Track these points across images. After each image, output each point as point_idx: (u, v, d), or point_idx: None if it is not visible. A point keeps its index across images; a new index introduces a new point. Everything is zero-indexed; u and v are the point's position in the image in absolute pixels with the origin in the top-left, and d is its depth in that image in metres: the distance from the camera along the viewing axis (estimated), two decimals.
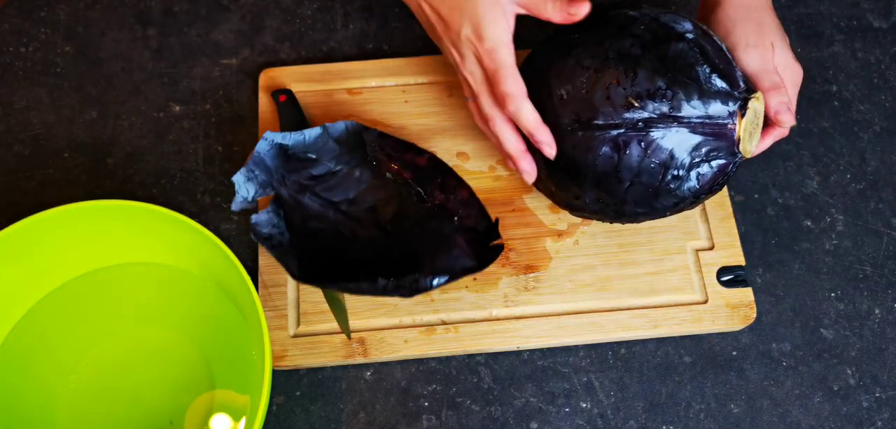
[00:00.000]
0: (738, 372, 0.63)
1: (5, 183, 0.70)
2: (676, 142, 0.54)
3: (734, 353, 0.64)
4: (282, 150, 0.63)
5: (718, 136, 0.54)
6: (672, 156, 0.54)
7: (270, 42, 0.77)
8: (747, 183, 0.70)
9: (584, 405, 0.62)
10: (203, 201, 0.69)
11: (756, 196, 0.70)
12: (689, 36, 0.55)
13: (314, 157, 0.64)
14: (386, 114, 0.72)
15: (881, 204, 0.70)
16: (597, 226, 0.67)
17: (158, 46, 0.76)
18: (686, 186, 0.55)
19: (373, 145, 0.63)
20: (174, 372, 0.61)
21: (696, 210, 0.67)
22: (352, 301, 0.64)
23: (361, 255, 0.64)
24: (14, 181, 0.70)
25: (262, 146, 0.62)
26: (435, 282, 0.57)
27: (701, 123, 0.54)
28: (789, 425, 0.62)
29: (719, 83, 0.54)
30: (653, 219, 0.61)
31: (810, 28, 0.78)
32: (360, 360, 0.62)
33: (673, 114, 0.54)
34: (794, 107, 0.59)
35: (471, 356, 0.64)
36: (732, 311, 0.63)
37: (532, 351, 0.64)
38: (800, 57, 0.76)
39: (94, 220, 0.60)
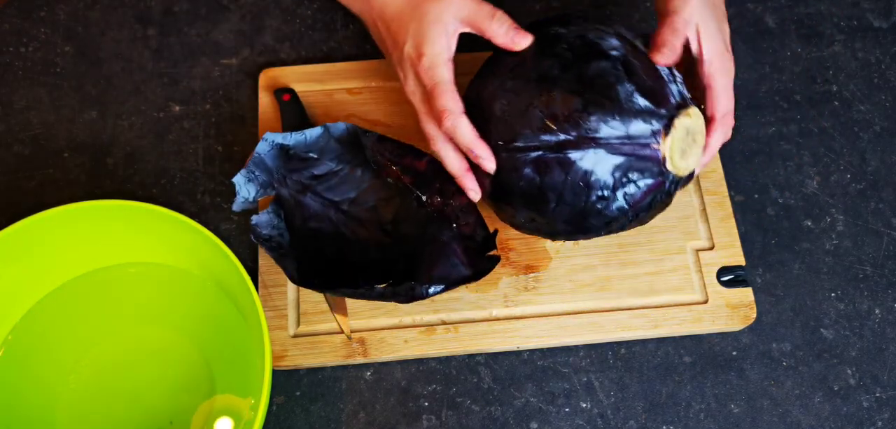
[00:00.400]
0: (739, 372, 0.63)
1: (5, 183, 0.70)
2: (594, 163, 0.53)
3: (734, 353, 0.64)
4: (282, 150, 0.63)
5: (641, 156, 0.53)
6: (593, 177, 0.54)
7: (270, 42, 0.77)
8: (747, 183, 0.70)
9: (584, 405, 0.62)
10: (203, 201, 0.69)
11: (756, 196, 0.70)
12: (614, 53, 0.54)
13: (315, 156, 0.64)
14: (386, 114, 0.72)
15: (881, 204, 0.70)
16: None
17: (158, 46, 0.76)
18: (614, 206, 0.55)
19: (372, 150, 0.63)
20: (174, 372, 0.61)
21: (696, 210, 0.67)
22: (352, 302, 0.64)
23: (362, 256, 0.64)
24: (14, 181, 0.70)
25: (262, 147, 0.62)
26: (431, 291, 0.57)
27: (621, 143, 0.53)
28: (789, 425, 0.62)
29: (642, 102, 0.53)
30: (590, 238, 0.60)
31: (810, 28, 0.78)
32: (360, 360, 0.62)
33: (590, 135, 0.53)
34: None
35: (471, 356, 0.64)
36: (732, 311, 0.63)
37: (532, 351, 0.64)
38: (800, 57, 0.77)
39: (94, 220, 0.60)
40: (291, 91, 0.71)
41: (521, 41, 0.56)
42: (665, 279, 0.65)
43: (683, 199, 0.68)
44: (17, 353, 0.61)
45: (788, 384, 0.63)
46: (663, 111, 0.53)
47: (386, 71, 0.73)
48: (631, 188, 0.54)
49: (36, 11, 0.78)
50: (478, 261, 0.60)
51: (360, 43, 0.77)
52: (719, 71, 0.57)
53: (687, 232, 0.67)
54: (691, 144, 0.55)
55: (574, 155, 0.53)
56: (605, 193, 0.54)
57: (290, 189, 0.64)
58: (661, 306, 0.64)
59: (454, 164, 0.58)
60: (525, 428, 0.61)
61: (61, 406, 0.60)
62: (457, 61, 0.57)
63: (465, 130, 0.55)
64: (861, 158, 0.72)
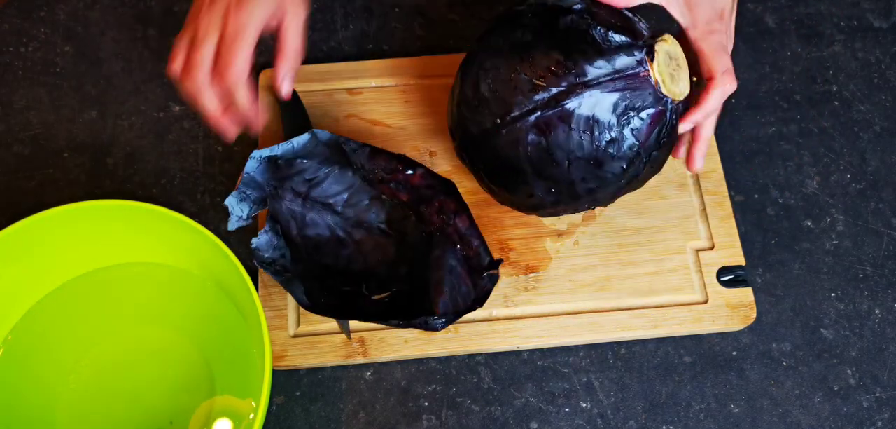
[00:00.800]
0: (739, 372, 0.63)
1: (5, 183, 0.70)
2: (593, 106, 0.53)
3: (734, 353, 0.64)
4: (271, 162, 0.62)
5: (635, 87, 0.54)
6: (595, 120, 0.54)
7: (271, 42, 0.77)
8: (747, 183, 0.70)
9: (584, 405, 0.62)
10: (203, 201, 0.69)
11: (756, 196, 0.70)
12: (577, 7, 0.55)
13: (305, 163, 0.64)
14: (386, 114, 0.72)
15: (881, 204, 0.70)
16: (597, 226, 0.67)
17: (158, 46, 0.76)
18: (625, 145, 0.55)
19: (366, 167, 0.63)
20: (174, 372, 0.61)
21: (696, 210, 0.67)
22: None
23: (363, 261, 0.64)
24: (14, 181, 0.70)
25: (250, 165, 0.61)
26: (441, 324, 0.57)
27: (611, 79, 0.53)
28: (789, 425, 0.62)
29: (618, 38, 0.54)
30: (611, 191, 0.58)
31: (810, 28, 0.78)
32: (360, 360, 0.62)
33: (580, 80, 0.53)
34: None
35: (471, 356, 0.64)
36: (732, 311, 0.63)
37: (532, 351, 0.64)
38: (800, 57, 0.77)
39: (94, 220, 0.60)
40: (292, 90, 0.71)
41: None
42: (665, 279, 0.65)
43: (683, 199, 0.68)
44: (17, 353, 0.61)
45: (788, 384, 0.63)
46: (641, 42, 0.54)
47: (386, 71, 0.73)
48: (635, 122, 0.54)
49: (36, 11, 0.78)
50: (480, 285, 0.61)
51: (360, 43, 0.77)
52: (704, 35, 0.57)
53: (687, 232, 0.67)
54: (677, 69, 0.55)
55: (571, 104, 0.53)
56: (612, 133, 0.54)
57: (283, 200, 0.64)
58: (661, 306, 0.64)
59: (211, 105, 0.57)
60: (525, 428, 0.61)
61: (61, 406, 0.60)
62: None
63: (244, 93, 0.57)
64: (861, 158, 0.72)
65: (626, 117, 0.54)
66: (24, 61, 0.75)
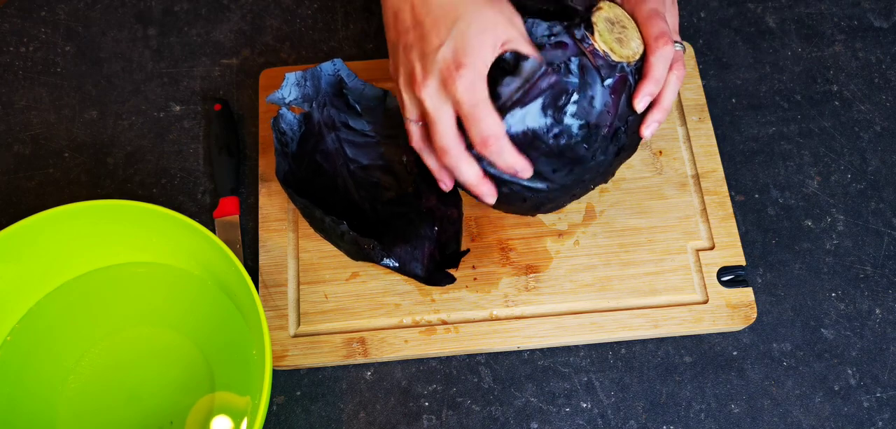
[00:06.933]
0: (739, 372, 0.63)
1: (5, 183, 0.70)
2: (522, 119, 0.52)
3: (735, 353, 0.64)
4: (340, 83, 0.65)
5: (576, 70, 0.52)
6: (532, 132, 0.52)
7: (271, 42, 0.77)
8: (748, 183, 0.70)
9: (585, 405, 0.62)
10: (203, 201, 0.69)
11: (756, 196, 0.70)
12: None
13: (359, 110, 0.66)
14: None
15: (882, 204, 0.70)
16: (597, 226, 0.67)
17: (159, 46, 0.76)
18: (576, 128, 0.53)
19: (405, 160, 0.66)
20: (174, 372, 0.61)
21: (697, 210, 0.67)
22: (351, 302, 0.64)
23: (343, 213, 0.65)
24: (14, 181, 0.70)
25: (327, 66, 0.64)
26: (385, 261, 0.60)
27: (526, 88, 0.51)
28: (790, 425, 0.62)
29: (543, 28, 0.53)
30: (602, 171, 0.57)
31: (811, 28, 0.78)
32: (360, 360, 0.62)
33: (498, 104, 0.52)
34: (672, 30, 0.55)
35: (471, 356, 0.64)
36: (733, 311, 0.63)
37: (532, 351, 0.64)
38: (800, 57, 0.76)
39: (94, 220, 0.60)
40: (224, 102, 0.72)
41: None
42: (665, 279, 0.65)
43: (684, 199, 0.68)
44: (17, 353, 0.61)
45: (789, 384, 0.63)
46: (577, 19, 0.53)
47: (386, 71, 0.73)
48: (575, 107, 0.53)
49: (36, 11, 0.78)
50: (436, 270, 0.62)
51: (360, 43, 0.77)
52: (636, 3, 0.55)
53: (687, 232, 0.67)
54: (623, 30, 0.54)
55: (513, 116, 0.52)
56: (556, 129, 0.53)
57: (322, 116, 0.65)
58: (662, 306, 0.64)
59: (471, 174, 0.54)
60: (525, 428, 0.61)
61: (61, 406, 0.60)
62: None
63: (509, 153, 0.52)
64: (861, 158, 0.72)
65: (561, 109, 0.52)
66: (25, 61, 0.75)
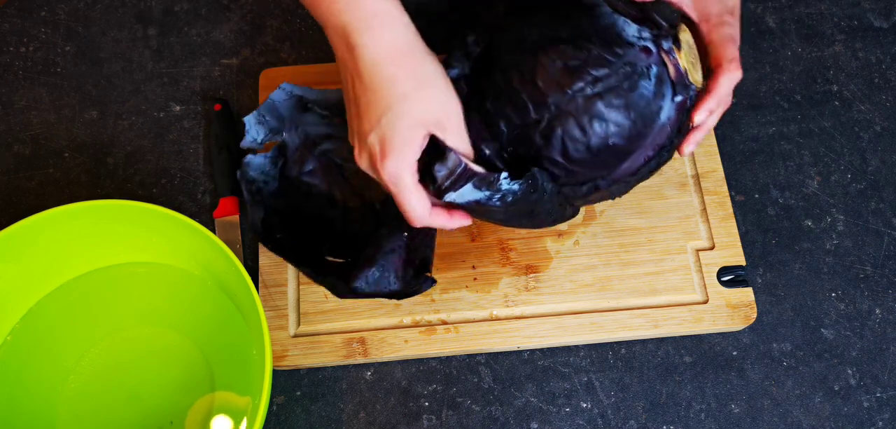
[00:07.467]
0: (739, 372, 0.63)
1: (5, 183, 0.70)
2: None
3: (735, 353, 0.64)
4: (300, 102, 0.64)
5: (661, 78, 0.53)
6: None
7: (271, 42, 0.77)
8: (748, 183, 0.70)
9: (585, 405, 0.62)
10: (203, 201, 0.69)
11: (757, 196, 0.70)
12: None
13: (331, 116, 0.65)
14: None
15: (882, 204, 0.70)
16: (597, 226, 0.67)
17: (159, 46, 0.76)
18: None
19: None
20: (174, 372, 0.61)
21: (697, 210, 0.67)
22: (353, 303, 0.63)
23: (343, 225, 0.65)
24: (14, 181, 0.70)
25: (277, 95, 0.63)
26: (347, 293, 0.60)
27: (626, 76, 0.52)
28: (790, 425, 0.62)
29: (634, 29, 0.53)
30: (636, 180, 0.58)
31: (811, 28, 0.78)
32: (360, 360, 0.62)
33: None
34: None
35: (471, 356, 0.64)
36: (733, 311, 0.63)
37: (532, 351, 0.64)
38: (800, 57, 0.76)
39: (94, 220, 0.60)
40: (224, 102, 0.72)
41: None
42: (665, 279, 0.65)
43: (684, 199, 0.68)
44: (17, 353, 0.61)
45: (789, 384, 0.63)
46: (665, 32, 0.54)
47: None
48: (662, 113, 0.54)
49: (36, 11, 0.78)
50: (411, 279, 0.61)
51: None
52: (715, 27, 0.56)
53: (687, 232, 0.67)
54: (695, 59, 0.55)
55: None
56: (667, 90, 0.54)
57: (298, 137, 0.65)
58: (662, 306, 0.64)
59: (440, 222, 0.56)
60: (525, 428, 0.61)
61: (61, 406, 0.60)
62: None
63: (439, 220, 0.54)
64: (861, 158, 0.72)
65: (493, 184, 0.53)
66: (25, 61, 0.75)
